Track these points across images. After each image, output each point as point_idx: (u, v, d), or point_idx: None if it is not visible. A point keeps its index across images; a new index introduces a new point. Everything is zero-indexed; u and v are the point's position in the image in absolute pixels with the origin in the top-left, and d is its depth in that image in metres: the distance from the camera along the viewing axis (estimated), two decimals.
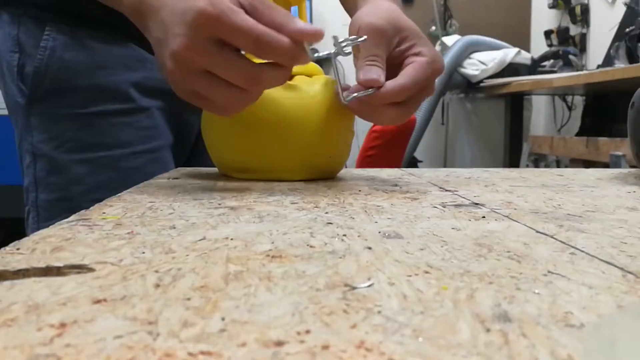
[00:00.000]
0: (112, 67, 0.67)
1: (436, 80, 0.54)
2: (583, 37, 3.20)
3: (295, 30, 0.43)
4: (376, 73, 0.50)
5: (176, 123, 0.74)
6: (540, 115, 3.63)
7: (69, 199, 0.65)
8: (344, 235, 0.29)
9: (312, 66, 0.58)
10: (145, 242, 0.27)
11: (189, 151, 0.78)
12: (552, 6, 3.40)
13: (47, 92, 0.66)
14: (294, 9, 0.62)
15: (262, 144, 0.54)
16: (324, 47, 0.50)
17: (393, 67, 0.52)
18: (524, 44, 3.46)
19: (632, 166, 1.60)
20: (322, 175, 0.57)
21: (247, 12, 0.43)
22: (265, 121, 0.53)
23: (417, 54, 0.52)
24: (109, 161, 0.66)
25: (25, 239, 0.27)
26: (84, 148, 0.66)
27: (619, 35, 2.51)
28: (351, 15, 0.63)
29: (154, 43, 0.47)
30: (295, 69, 0.55)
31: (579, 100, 3.15)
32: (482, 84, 3.01)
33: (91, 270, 0.22)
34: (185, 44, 0.42)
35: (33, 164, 0.67)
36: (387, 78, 0.51)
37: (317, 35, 0.44)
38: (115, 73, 0.67)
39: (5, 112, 0.71)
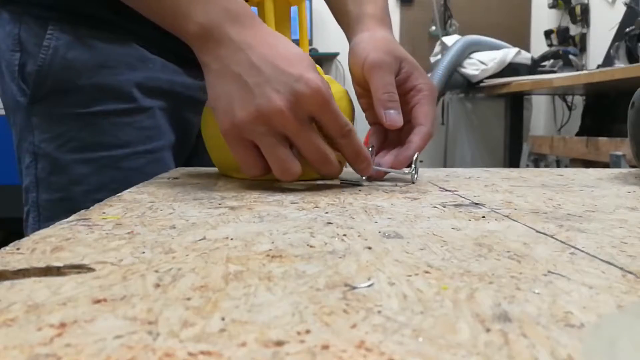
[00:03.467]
0: (114, 67, 0.67)
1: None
2: (583, 37, 3.20)
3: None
4: (398, 117, 0.55)
5: (177, 123, 0.73)
6: (540, 115, 3.63)
7: (71, 199, 0.65)
8: (344, 235, 0.29)
9: None
10: (145, 242, 0.27)
11: (190, 151, 0.78)
12: (552, 6, 3.40)
13: (49, 92, 0.65)
14: (293, 9, 0.62)
15: None
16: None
17: (401, 97, 0.57)
18: (524, 44, 3.46)
19: (632, 166, 1.60)
20: (322, 176, 0.57)
21: None
22: None
23: (417, 89, 0.58)
24: (110, 161, 0.66)
25: (25, 239, 0.27)
26: (85, 148, 0.66)
27: (619, 35, 2.51)
28: (345, 31, 0.68)
29: (222, 73, 0.47)
30: None
31: (579, 100, 3.15)
32: (482, 84, 3.01)
33: (91, 270, 0.22)
34: (284, 107, 0.43)
35: (34, 164, 0.67)
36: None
37: (367, 169, 0.51)
38: (118, 72, 0.67)
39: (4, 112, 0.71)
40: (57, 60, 0.65)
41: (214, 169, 0.65)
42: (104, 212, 0.35)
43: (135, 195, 0.43)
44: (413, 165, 0.54)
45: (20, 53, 0.65)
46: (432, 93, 0.58)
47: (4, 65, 0.67)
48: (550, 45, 3.33)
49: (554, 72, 2.88)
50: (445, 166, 3.51)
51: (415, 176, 0.54)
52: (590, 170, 0.68)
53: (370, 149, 0.55)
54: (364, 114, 0.63)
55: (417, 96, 0.57)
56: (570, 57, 2.94)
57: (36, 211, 0.67)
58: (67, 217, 0.34)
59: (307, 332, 0.16)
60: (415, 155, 0.54)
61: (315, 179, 0.56)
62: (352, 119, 0.59)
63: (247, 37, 0.47)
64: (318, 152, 0.46)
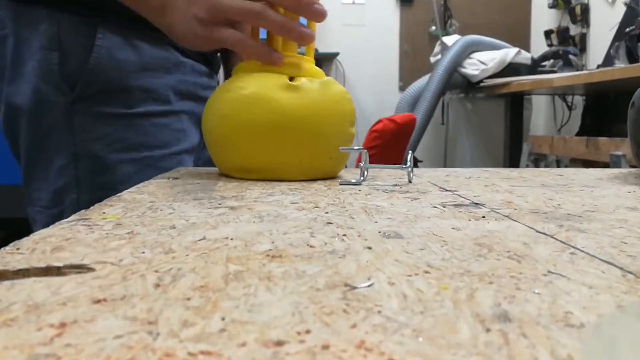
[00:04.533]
0: (155, 70, 0.69)
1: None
2: (583, 37, 3.20)
3: None
4: None
5: (198, 125, 0.76)
6: (540, 115, 3.63)
7: None
8: (344, 235, 0.29)
9: (314, 69, 0.58)
10: (145, 242, 0.27)
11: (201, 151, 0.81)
12: (552, 6, 3.40)
13: (97, 92, 0.66)
14: None
15: (262, 144, 0.54)
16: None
17: None
18: (524, 44, 3.47)
19: (632, 166, 1.60)
20: (322, 175, 0.57)
21: None
22: (265, 121, 0.53)
23: None
24: (152, 161, 0.68)
25: (25, 239, 0.27)
26: (131, 148, 0.67)
27: (619, 35, 2.51)
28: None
29: (180, 14, 0.58)
30: (297, 72, 0.56)
31: (579, 100, 3.15)
32: (482, 84, 3.01)
33: (91, 270, 0.22)
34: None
35: (73, 165, 0.67)
36: None
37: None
38: (158, 75, 0.69)
39: None
40: (108, 60, 0.66)
41: (214, 169, 0.65)
42: (104, 212, 0.35)
43: (135, 195, 0.43)
44: (409, 162, 0.54)
45: (58, 52, 0.65)
46: None
47: (32, 64, 0.66)
48: (550, 45, 3.33)
49: (554, 72, 2.88)
50: (445, 166, 3.51)
51: (412, 174, 0.54)
52: (590, 170, 0.68)
53: (365, 153, 0.55)
54: (364, 115, 0.67)
55: None
56: (570, 57, 2.94)
57: (75, 212, 0.67)
58: None
59: (307, 332, 0.16)
60: (410, 154, 0.55)
61: (315, 179, 0.56)
62: (353, 119, 0.59)
63: None
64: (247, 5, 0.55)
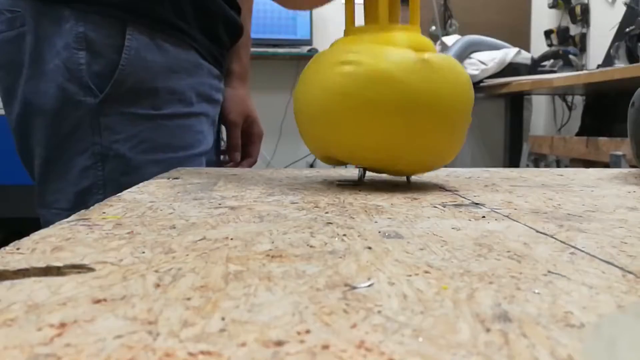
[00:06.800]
0: (179, 71, 0.70)
1: None
2: (583, 37, 3.20)
3: None
4: (238, 155, 0.88)
5: (212, 127, 0.79)
6: (540, 115, 3.63)
7: None
8: (344, 235, 0.29)
9: (426, 42, 0.51)
10: (145, 242, 0.27)
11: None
12: (552, 6, 3.40)
13: (126, 92, 0.66)
14: None
15: (383, 129, 0.46)
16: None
17: (244, 138, 0.89)
18: (524, 44, 3.46)
19: (632, 166, 1.60)
20: (433, 168, 0.52)
21: None
22: (390, 104, 0.45)
23: (252, 134, 0.89)
24: (176, 162, 0.69)
25: (25, 239, 0.27)
26: (157, 149, 0.68)
27: (619, 35, 2.51)
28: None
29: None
30: (407, 41, 0.48)
31: (579, 100, 3.15)
32: (482, 84, 3.00)
33: (91, 270, 0.22)
34: None
35: (100, 165, 0.67)
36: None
37: None
38: (181, 77, 0.70)
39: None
40: (137, 61, 0.66)
41: (214, 169, 0.65)
42: (104, 212, 0.35)
43: (135, 195, 0.43)
44: None
45: (85, 52, 0.65)
46: (260, 137, 0.90)
47: (55, 63, 0.65)
48: (550, 45, 3.33)
49: (554, 72, 2.88)
50: (445, 166, 3.50)
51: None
52: (590, 170, 0.68)
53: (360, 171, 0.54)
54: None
55: (251, 139, 0.89)
56: (570, 57, 2.94)
57: None
58: None
59: (307, 332, 0.16)
60: None
61: (426, 171, 0.53)
62: (471, 105, 0.50)
63: None
64: None
